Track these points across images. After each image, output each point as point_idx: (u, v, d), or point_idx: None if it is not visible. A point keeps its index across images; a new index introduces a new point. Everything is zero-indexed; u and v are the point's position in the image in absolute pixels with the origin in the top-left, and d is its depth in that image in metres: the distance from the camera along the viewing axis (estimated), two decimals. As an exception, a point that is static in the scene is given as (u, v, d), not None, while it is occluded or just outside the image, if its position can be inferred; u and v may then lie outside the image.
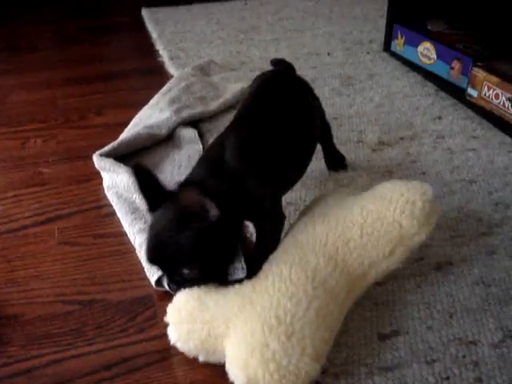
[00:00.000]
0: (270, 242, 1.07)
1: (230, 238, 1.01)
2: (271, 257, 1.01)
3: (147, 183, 1.00)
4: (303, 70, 2.04)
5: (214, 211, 0.93)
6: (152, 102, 1.76)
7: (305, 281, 0.93)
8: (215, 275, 1.00)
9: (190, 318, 0.93)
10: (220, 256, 1.00)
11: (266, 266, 0.99)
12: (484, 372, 0.93)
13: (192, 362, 0.96)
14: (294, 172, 1.17)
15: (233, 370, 0.87)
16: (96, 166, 1.46)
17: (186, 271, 0.96)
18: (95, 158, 1.46)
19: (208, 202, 0.92)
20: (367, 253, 0.99)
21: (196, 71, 1.93)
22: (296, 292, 0.91)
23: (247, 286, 0.96)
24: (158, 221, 0.97)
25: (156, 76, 2.07)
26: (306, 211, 1.13)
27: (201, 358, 0.94)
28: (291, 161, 1.14)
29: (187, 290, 0.98)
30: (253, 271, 1.01)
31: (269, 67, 2.05)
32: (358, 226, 1.00)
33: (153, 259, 0.97)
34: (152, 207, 1.00)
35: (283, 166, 1.10)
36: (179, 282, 0.99)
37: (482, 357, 0.96)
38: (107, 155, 1.46)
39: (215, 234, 0.96)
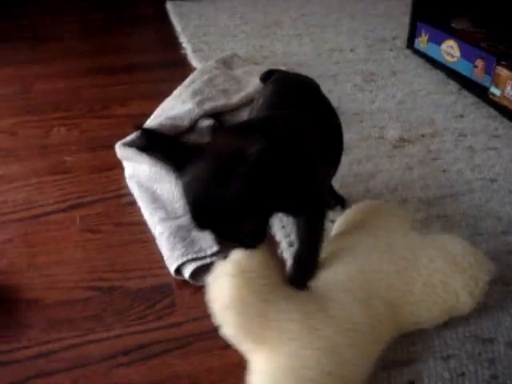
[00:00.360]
0: (319, 237, 0.98)
1: (278, 182, 0.86)
2: (336, 277, 0.95)
3: (163, 144, 0.86)
4: (326, 66, 2.05)
5: (258, 145, 0.79)
6: (175, 93, 1.77)
7: (366, 330, 0.88)
8: (265, 225, 0.90)
9: (253, 299, 0.85)
10: (269, 204, 0.87)
11: (331, 285, 0.93)
12: (499, 369, 0.93)
13: (209, 349, 0.98)
14: (331, 166, 1.13)
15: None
16: (118, 155, 1.47)
17: (243, 223, 0.84)
18: (118, 147, 1.47)
19: (251, 138, 0.80)
20: (418, 313, 0.95)
21: (219, 64, 1.94)
22: (354, 341, 0.86)
23: (311, 304, 0.89)
24: (195, 180, 0.84)
25: (179, 68, 2.09)
26: (365, 226, 1.08)
27: (230, 331, 0.87)
28: (328, 154, 1.07)
29: (260, 260, 0.89)
30: (307, 275, 0.96)
31: (292, 61, 2.07)
32: (422, 280, 0.95)
33: (205, 224, 0.85)
34: (179, 166, 0.86)
35: (324, 155, 1.02)
36: (237, 238, 0.88)
37: (498, 354, 0.96)
38: (130, 145, 1.47)
39: (264, 176, 0.83)
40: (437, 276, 0.96)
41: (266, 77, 1.31)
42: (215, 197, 0.81)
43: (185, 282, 1.12)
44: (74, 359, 0.98)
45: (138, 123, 0.81)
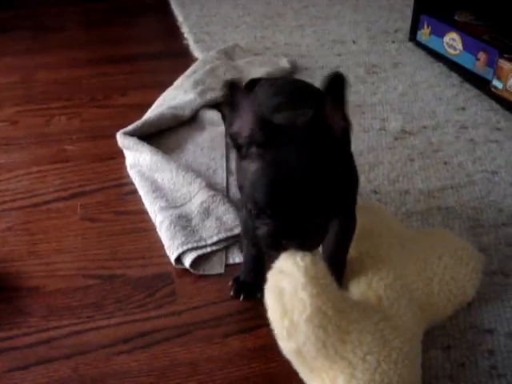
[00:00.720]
0: (351, 238, 0.97)
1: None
2: (374, 285, 0.93)
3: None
4: (328, 57, 2.04)
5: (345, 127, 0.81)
6: (176, 83, 1.77)
7: (417, 337, 0.89)
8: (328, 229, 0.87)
9: (328, 311, 0.79)
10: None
11: (371, 295, 0.91)
12: (499, 360, 0.93)
13: (209, 338, 0.98)
14: None
15: None
16: (119, 144, 1.47)
17: (318, 219, 0.80)
18: (119, 136, 1.48)
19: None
20: (438, 312, 0.96)
21: (220, 55, 1.93)
22: (416, 350, 0.86)
23: (373, 312, 0.86)
24: (286, 160, 0.79)
25: (181, 59, 2.07)
26: (365, 228, 1.05)
27: (290, 347, 0.81)
28: None
29: (326, 268, 0.83)
30: (338, 276, 0.93)
31: (294, 52, 2.06)
32: (437, 279, 0.96)
33: (276, 209, 0.79)
34: (266, 141, 0.80)
35: None
36: (302, 236, 0.81)
37: (498, 345, 0.96)
38: (131, 134, 1.47)
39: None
40: (448, 273, 0.97)
41: (248, 86, 1.29)
42: (306, 181, 0.77)
43: (185, 270, 1.12)
44: (74, 347, 0.98)
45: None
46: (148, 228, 1.23)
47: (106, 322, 1.02)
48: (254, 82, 1.33)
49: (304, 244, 0.82)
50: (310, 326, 0.77)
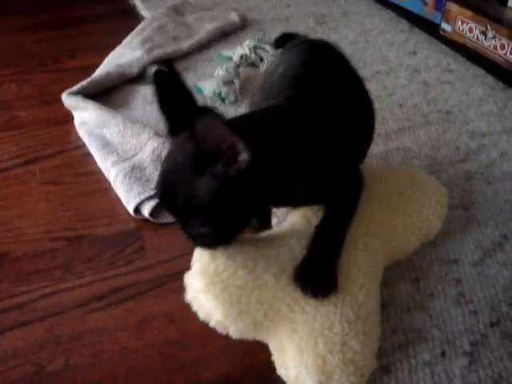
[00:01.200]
0: (350, 217, 0.89)
1: (262, 193, 0.80)
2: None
3: (170, 95, 0.77)
4: (277, 9, 2.03)
5: (244, 155, 0.71)
6: (125, 41, 1.73)
7: (369, 267, 0.87)
8: (232, 234, 0.82)
9: (243, 298, 0.78)
10: (244, 212, 0.80)
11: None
12: (466, 287, 0.97)
13: (182, 288, 0.97)
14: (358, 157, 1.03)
15: (300, 361, 0.77)
16: (66, 105, 1.45)
17: (198, 225, 0.77)
18: (64, 96, 1.45)
19: (238, 141, 0.70)
20: (401, 244, 0.96)
21: (169, 11, 1.90)
22: (364, 282, 0.84)
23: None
24: (174, 154, 0.77)
25: (129, 18, 2.02)
26: None
27: (235, 335, 0.80)
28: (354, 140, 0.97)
29: (227, 255, 0.81)
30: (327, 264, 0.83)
31: (243, 6, 2.03)
32: (400, 211, 0.96)
33: (162, 200, 0.78)
34: (174, 129, 0.79)
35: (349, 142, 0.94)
36: (192, 234, 0.80)
37: (464, 274, 1.00)
38: (77, 94, 1.45)
39: (244, 187, 0.75)
40: (411, 206, 0.98)
41: (282, 41, 1.24)
42: (180, 184, 0.75)
43: (152, 225, 1.12)
44: (46, 309, 0.97)
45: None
46: (110, 187, 1.22)
47: (77, 282, 1.02)
48: (287, 37, 1.26)
49: (200, 243, 0.81)
50: (227, 324, 0.78)
